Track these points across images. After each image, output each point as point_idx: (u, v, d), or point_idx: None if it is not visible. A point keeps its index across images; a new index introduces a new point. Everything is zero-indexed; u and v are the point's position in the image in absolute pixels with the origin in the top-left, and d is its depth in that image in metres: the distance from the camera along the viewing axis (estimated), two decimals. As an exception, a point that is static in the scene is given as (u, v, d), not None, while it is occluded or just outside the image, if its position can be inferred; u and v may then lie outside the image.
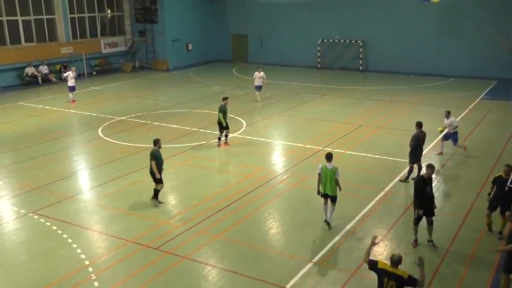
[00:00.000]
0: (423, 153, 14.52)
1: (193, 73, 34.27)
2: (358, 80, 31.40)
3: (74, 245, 10.78)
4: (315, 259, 10.15)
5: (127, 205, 12.86)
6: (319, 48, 34.94)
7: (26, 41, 30.68)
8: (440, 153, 16.31)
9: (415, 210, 10.52)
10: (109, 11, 36.11)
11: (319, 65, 35.07)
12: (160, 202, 12.79)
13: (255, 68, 25.87)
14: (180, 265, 9.99)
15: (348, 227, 11.47)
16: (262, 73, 24.46)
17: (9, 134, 19.73)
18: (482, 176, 14.31)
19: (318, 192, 11.31)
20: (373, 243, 7.64)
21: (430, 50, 31.47)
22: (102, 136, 19.08)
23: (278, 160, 16.65)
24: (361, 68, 33.72)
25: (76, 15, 33.29)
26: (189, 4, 37.17)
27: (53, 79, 30.60)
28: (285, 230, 11.60)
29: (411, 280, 6.98)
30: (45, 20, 31.61)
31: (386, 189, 13.66)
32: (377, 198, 13.03)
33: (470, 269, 9.82)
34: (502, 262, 9.35)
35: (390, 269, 7.06)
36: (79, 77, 30.08)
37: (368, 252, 7.49)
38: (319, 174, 11.18)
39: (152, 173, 12.46)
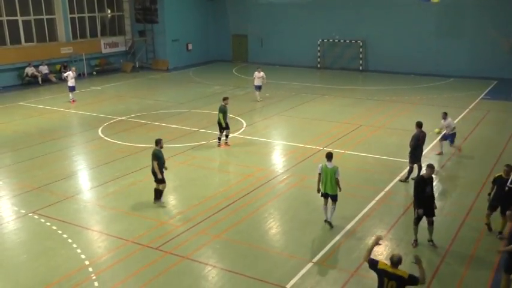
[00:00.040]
0: (423, 153, 14.51)
1: (193, 73, 34.27)
2: (358, 80, 31.40)
3: (74, 245, 10.78)
4: (315, 259, 10.15)
5: (127, 205, 12.86)
6: (319, 48, 34.94)
7: (26, 41, 30.68)
8: (440, 153, 16.32)
9: (415, 210, 10.52)
10: (109, 11, 36.11)
11: (319, 65, 35.07)
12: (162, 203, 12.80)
13: (255, 68, 25.87)
14: (180, 265, 9.99)
15: (348, 227, 11.47)
16: (262, 73, 24.46)
17: (9, 134, 19.73)
18: (482, 176, 14.31)
19: (318, 190, 11.32)
20: (376, 243, 7.64)
21: (430, 50, 31.46)
22: (102, 136, 19.09)
23: (278, 160, 16.65)
24: (361, 68, 33.72)
25: (76, 15, 33.29)
26: (189, 4, 37.17)
27: (53, 79, 30.61)
28: (285, 230, 11.60)
29: (412, 279, 6.99)
30: (45, 20, 31.61)
31: (387, 189, 13.66)
32: (377, 198, 13.03)
33: (470, 269, 9.82)
34: (502, 262, 9.36)
35: (390, 270, 7.05)
36: (79, 77, 30.09)
37: (369, 251, 7.48)
38: (319, 174, 11.20)
39: (154, 173, 12.46)
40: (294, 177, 14.68)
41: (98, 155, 16.94)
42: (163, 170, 12.57)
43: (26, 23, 30.57)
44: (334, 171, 11.05)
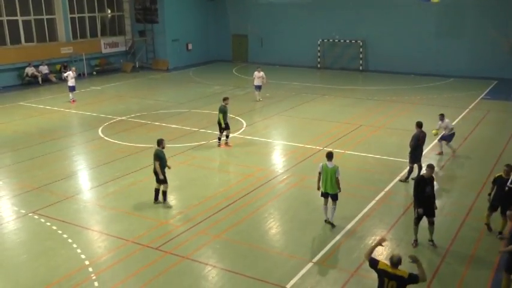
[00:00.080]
0: (423, 153, 14.52)
1: (193, 73, 34.27)
2: (358, 80, 31.41)
3: (74, 245, 10.78)
4: (315, 259, 10.15)
5: (127, 205, 12.86)
6: (319, 48, 34.94)
7: (26, 41, 30.68)
8: (440, 153, 16.32)
9: (415, 210, 10.52)
10: (109, 11, 36.11)
11: (319, 65, 35.07)
12: (160, 202, 12.78)
13: (255, 68, 25.87)
14: (180, 265, 9.99)
15: (348, 227, 11.47)
16: (261, 73, 24.46)
17: (9, 134, 19.73)
18: (482, 176, 14.31)
19: (318, 188, 11.33)
20: (379, 244, 7.64)
21: (430, 50, 31.47)
22: (102, 136, 19.09)
23: (278, 160, 16.65)
24: (361, 68, 33.73)
25: (76, 15, 33.29)
26: (189, 4, 37.17)
27: (53, 79, 30.61)
28: (285, 230, 11.60)
29: (412, 278, 7.00)
30: (45, 20, 31.61)
31: (387, 189, 13.66)
32: (377, 198, 13.03)
33: (470, 269, 9.82)
34: (502, 262, 9.36)
35: (390, 270, 7.06)
36: (79, 77, 30.09)
37: (371, 250, 7.49)
38: (319, 173, 11.21)
39: (156, 173, 12.45)
40: (294, 177, 14.68)
41: (98, 155, 16.94)
42: (166, 169, 12.57)
43: (26, 23, 30.57)
44: (335, 170, 11.06)
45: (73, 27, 32.98)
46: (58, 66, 31.65)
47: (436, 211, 10.60)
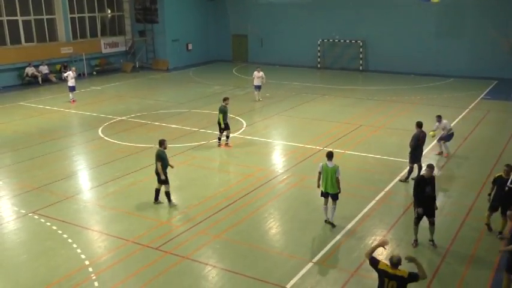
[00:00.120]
0: (423, 153, 14.51)
1: (193, 73, 34.27)
2: (358, 80, 31.41)
3: (74, 245, 10.78)
4: (315, 259, 10.15)
5: (127, 205, 12.86)
6: (319, 48, 34.94)
7: (26, 41, 30.68)
8: (440, 154, 16.31)
9: (415, 210, 10.52)
10: (109, 11, 36.11)
11: (319, 65, 35.07)
12: (160, 202, 12.80)
13: (255, 68, 25.86)
14: (180, 265, 9.99)
15: (348, 226, 11.47)
16: (261, 73, 24.46)
17: (9, 134, 19.73)
18: (482, 176, 14.31)
19: (318, 185, 11.33)
20: (381, 246, 7.66)
21: (430, 50, 31.47)
22: (102, 136, 19.09)
23: (278, 160, 16.65)
24: (361, 68, 33.72)
25: (76, 15, 33.29)
26: (189, 4, 37.17)
27: (53, 79, 30.61)
28: (285, 230, 11.60)
29: (412, 277, 7.04)
30: (45, 20, 31.61)
31: (387, 189, 13.66)
32: (377, 198, 13.03)
33: (470, 269, 9.82)
34: (503, 262, 9.37)
35: (390, 271, 7.08)
36: (79, 77, 30.09)
37: (372, 250, 7.51)
38: (319, 173, 11.22)
39: (158, 174, 12.45)
40: (294, 177, 14.68)
41: (98, 155, 16.94)
42: (168, 169, 12.56)
43: (26, 23, 30.57)
44: (335, 170, 11.06)
45: (73, 27, 32.99)
46: (58, 66, 31.66)
47: (436, 211, 10.59)
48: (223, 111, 17.02)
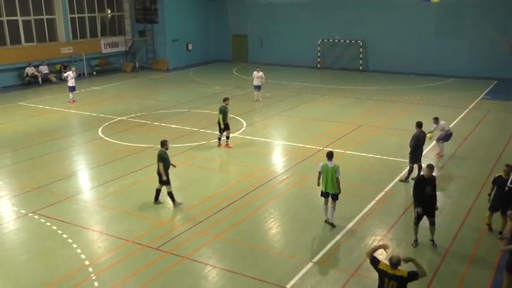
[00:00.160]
0: (423, 153, 14.52)
1: (194, 73, 34.27)
2: (358, 80, 31.41)
3: (74, 245, 10.78)
4: (315, 259, 10.15)
5: (127, 205, 12.86)
6: (319, 48, 34.94)
7: (26, 41, 30.69)
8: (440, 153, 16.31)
9: (415, 210, 10.51)
10: (109, 11, 36.12)
11: (319, 65, 35.07)
12: (160, 202, 12.80)
13: (255, 68, 25.86)
14: (180, 265, 9.99)
15: (348, 226, 11.47)
16: (261, 73, 24.47)
17: (9, 134, 19.73)
18: (482, 176, 14.31)
19: (318, 184, 11.33)
20: (382, 248, 7.67)
21: (430, 50, 31.47)
22: (102, 136, 19.09)
23: (278, 160, 16.65)
24: (361, 68, 33.73)
25: (76, 15, 33.30)
26: (189, 4, 37.18)
27: (53, 79, 30.61)
28: (285, 230, 11.60)
29: (412, 276, 7.07)
30: (45, 20, 31.62)
31: (387, 189, 13.66)
32: (377, 198, 13.03)
33: (470, 269, 9.82)
34: (503, 262, 9.36)
35: (390, 271, 7.11)
36: (79, 77, 30.09)
37: (373, 250, 7.55)
38: (319, 172, 11.22)
39: (160, 174, 12.44)
40: (294, 177, 14.68)
41: (98, 155, 16.94)
42: (169, 169, 12.56)
43: (26, 23, 30.58)
44: (335, 170, 11.06)
45: (73, 27, 32.99)
46: (58, 66, 31.66)
47: (436, 211, 10.59)
48: (223, 112, 17.01)
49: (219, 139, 17.51)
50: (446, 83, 29.21)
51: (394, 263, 7.09)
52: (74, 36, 33.10)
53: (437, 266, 9.87)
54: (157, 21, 35.74)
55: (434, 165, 10.78)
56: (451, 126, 17.51)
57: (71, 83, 24.63)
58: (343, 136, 18.59)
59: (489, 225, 11.13)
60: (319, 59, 35.03)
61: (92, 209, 12.81)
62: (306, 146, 17.46)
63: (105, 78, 32.26)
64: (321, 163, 11.28)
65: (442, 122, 15.84)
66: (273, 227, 11.75)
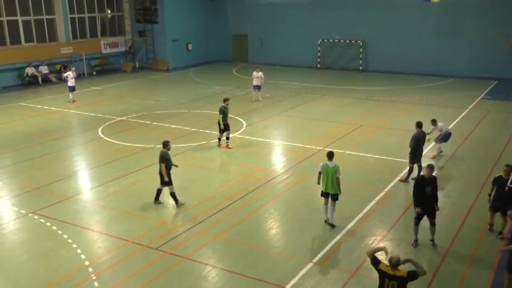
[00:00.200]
0: (423, 153, 14.52)
1: (194, 73, 34.28)
2: (358, 80, 31.41)
3: (74, 246, 10.78)
4: (315, 259, 10.15)
5: (127, 205, 12.86)
6: (319, 48, 34.95)
7: (26, 41, 30.69)
8: (440, 153, 16.29)
9: (415, 210, 10.51)
10: (109, 11, 36.12)
11: (319, 65, 35.07)
12: (161, 202, 12.81)
13: (255, 68, 25.86)
14: (180, 265, 9.99)
15: (348, 226, 11.47)
16: (260, 73, 24.47)
17: (9, 134, 19.73)
18: (482, 176, 14.31)
19: (318, 182, 11.33)
20: (382, 250, 7.68)
21: (430, 50, 31.48)
22: (102, 136, 19.08)
23: (278, 160, 16.65)
24: (361, 68, 33.73)
25: (76, 16, 33.30)
26: (189, 4, 37.18)
27: (53, 79, 30.61)
28: (285, 230, 11.60)
29: (412, 275, 7.11)
30: (45, 20, 31.62)
31: (387, 189, 13.66)
32: (377, 198, 13.03)
33: (471, 269, 9.82)
34: (503, 262, 9.36)
35: (390, 272, 7.15)
36: (79, 77, 30.10)
37: (374, 250, 7.57)
38: (320, 173, 11.22)
39: (162, 175, 12.44)
40: (294, 177, 14.68)
41: (98, 155, 16.94)
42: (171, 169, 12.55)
43: (26, 23, 30.58)
44: (335, 170, 11.06)
45: (73, 27, 33.00)
46: (58, 67, 31.67)
47: (436, 212, 10.58)
48: (223, 112, 17.00)
49: (219, 139, 17.51)
50: (446, 83, 29.22)
51: (394, 263, 7.12)
52: (74, 37, 33.11)
53: (438, 266, 9.87)
54: (157, 22, 35.74)
55: (434, 165, 10.77)
56: (451, 126, 17.56)
57: (71, 83, 24.63)
58: (343, 136, 18.59)
59: (491, 225, 11.11)
60: (319, 59, 35.03)
61: (92, 209, 12.80)
62: (306, 146, 17.46)
63: (105, 79, 32.26)
64: (321, 163, 11.28)
65: (440, 124, 15.82)
66: (273, 227, 11.75)
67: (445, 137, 15.95)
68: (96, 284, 9.36)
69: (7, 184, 14.55)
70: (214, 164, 16.23)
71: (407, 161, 14.14)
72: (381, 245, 10.59)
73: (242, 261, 10.14)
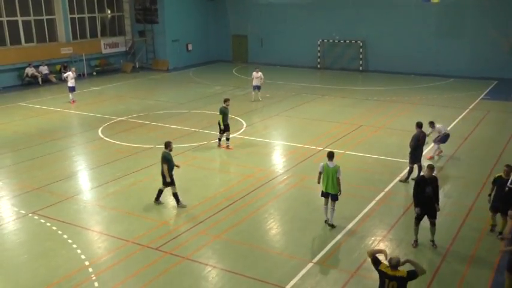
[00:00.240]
0: (423, 153, 14.51)
1: (194, 73, 34.27)
2: (358, 80, 31.40)
3: (74, 246, 10.78)
4: (315, 259, 10.15)
5: (127, 205, 12.86)
6: (319, 49, 34.94)
7: (26, 42, 30.68)
8: (440, 153, 16.29)
9: (415, 210, 10.51)
10: (109, 12, 36.12)
11: (319, 65, 35.07)
12: (161, 203, 12.81)
13: (255, 68, 25.86)
14: (180, 265, 9.99)
15: (348, 227, 11.47)
16: (260, 73, 24.47)
17: (9, 134, 19.73)
18: (482, 176, 14.31)
19: (319, 182, 11.34)
20: (381, 252, 7.70)
21: (430, 50, 31.47)
22: (102, 136, 19.08)
23: (278, 160, 16.65)
24: (361, 68, 33.72)
25: (76, 16, 33.30)
26: (189, 4, 37.18)
27: (53, 79, 30.60)
28: (285, 231, 11.60)
29: (411, 275, 7.14)
30: (45, 20, 31.62)
31: (387, 189, 13.66)
32: (377, 199, 13.03)
33: (471, 269, 9.82)
34: (503, 262, 9.37)
35: (390, 272, 7.18)
36: (79, 77, 30.09)
37: (375, 251, 7.61)
38: (320, 172, 11.22)
39: (164, 176, 12.43)
40: (294, 177, 14.68)
41: (98, 156, 16.94)
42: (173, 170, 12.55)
43: (26, 24, 30.58)
44: (336, 170, 11.06)
45: (73, 27, 32.99)
46: (58, 67, 31.67)
47: (437, 212, 10.58)
48: (224, 113, 16.99)
49: (219, 140, 17.51)
50: (446, 83, 29.21)
51: (394, 264, 7.16)
52: (74, 37, 33.10)
53: (438, 266, 9.87)
54: (157, 22, 35.74)
55: (434, 165, 10.77)
56: (451, 126, 17.55)
57: (71, 83, 24.63)
58: (343, 136, 18.59)
59: (493, 226, 11.10)
60: (319, 59, 35.03)
61: (92, 210, 12.81)
62: (306, 146, 17.46)
63: (105, 79, 32.26)
64: (322, 163, 11.29)
65: (438, 125, 15.79)
66: (273, 227, 11.75)
67: (443, 138, 15.93)
68: (96, 284, 9.36)
69: (7, 184, 14.56)
70: (214, 164, 16.23)
71: (408, 161, 14.14)
72: (381, 246, 10.60)
73: (242, 262, 10.14)
